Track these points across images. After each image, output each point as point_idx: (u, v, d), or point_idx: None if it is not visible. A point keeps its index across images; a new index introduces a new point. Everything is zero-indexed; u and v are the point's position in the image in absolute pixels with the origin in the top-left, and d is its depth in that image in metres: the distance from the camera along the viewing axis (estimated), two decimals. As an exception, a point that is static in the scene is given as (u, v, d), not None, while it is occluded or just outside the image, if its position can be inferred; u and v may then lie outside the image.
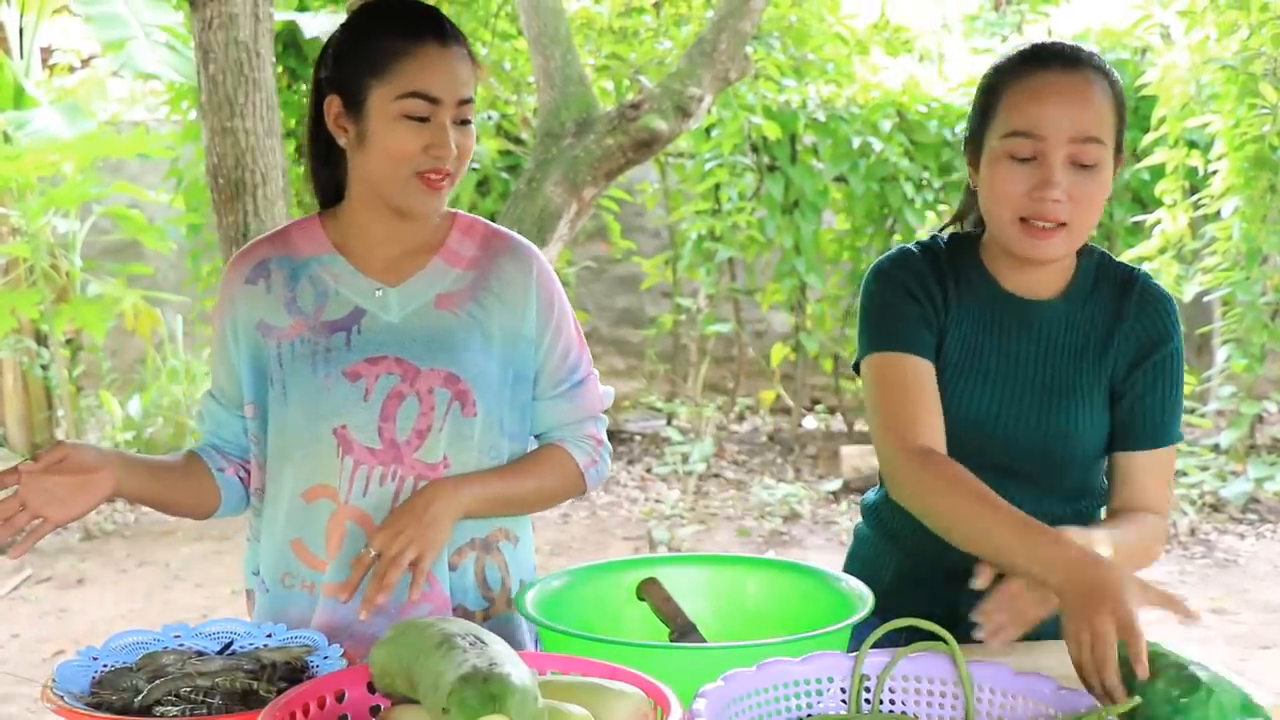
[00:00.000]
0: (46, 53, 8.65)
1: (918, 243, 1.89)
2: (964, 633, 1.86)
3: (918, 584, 1.88)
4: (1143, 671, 1.36)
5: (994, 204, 1.75)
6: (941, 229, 1.97)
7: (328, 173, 1.89)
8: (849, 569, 1.97)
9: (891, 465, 1.76)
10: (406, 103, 1.74)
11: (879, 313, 1.82)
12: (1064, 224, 1.71)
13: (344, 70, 1.79)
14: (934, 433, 1.75)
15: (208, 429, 1.93)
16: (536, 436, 1.97)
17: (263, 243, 1.90)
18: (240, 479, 1.92)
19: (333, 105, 1.80)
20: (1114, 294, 1.84)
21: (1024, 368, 1.82)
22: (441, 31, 1.77)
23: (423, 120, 1.74)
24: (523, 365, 1.89)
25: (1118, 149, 1.75)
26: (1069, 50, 1.74)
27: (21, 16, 7.57)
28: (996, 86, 1.76)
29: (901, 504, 1.76)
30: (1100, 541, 1.66)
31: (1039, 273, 1.82)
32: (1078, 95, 1.70)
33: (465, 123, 1.78)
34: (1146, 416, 1.82)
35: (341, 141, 1.81)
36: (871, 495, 2.04)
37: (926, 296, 1.81)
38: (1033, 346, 1.82)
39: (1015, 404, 1.81)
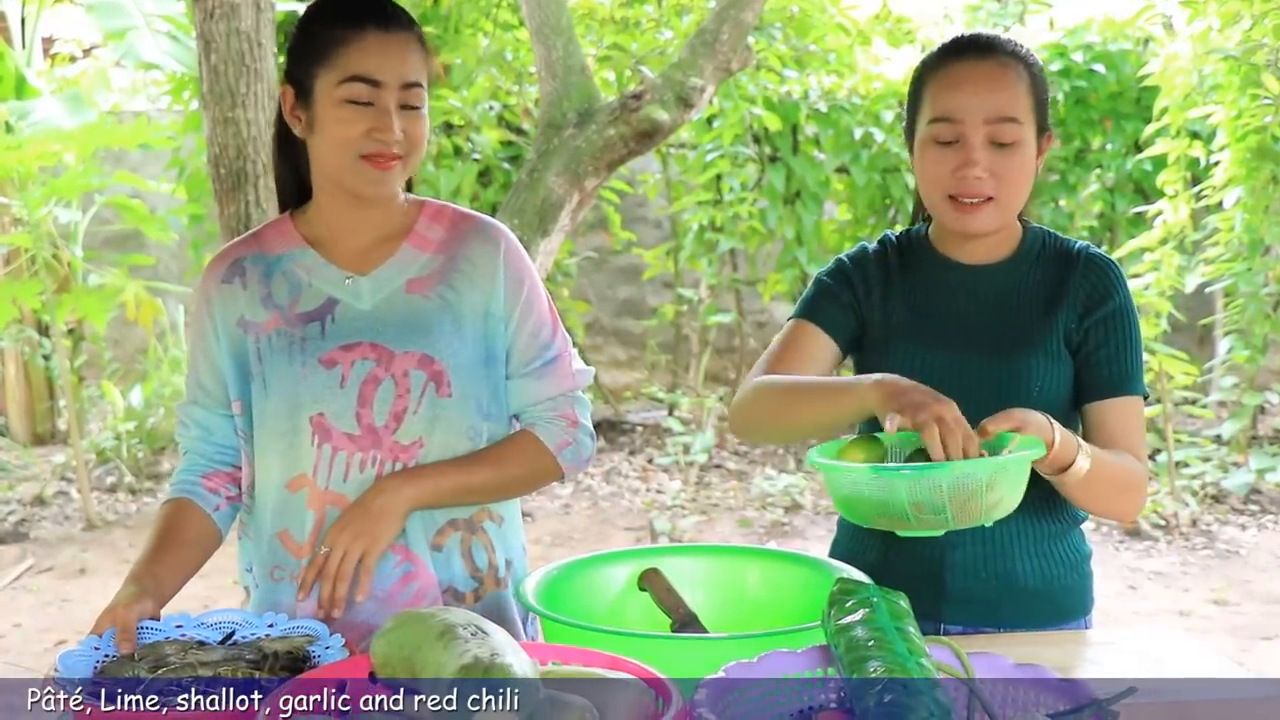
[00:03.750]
0: (48, 42, 8.64)
1: (879, 239, 2.04)
2: (953, 614, 1.89)
3: (906, 561, 1.89)
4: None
5: (925, 185, 1.90)
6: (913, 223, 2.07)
7: (288, 169, 1.92)
8: (834, 555, 1.97)
9: (730, 405, 1.91)
10: (348, 87, 1.78)
11: (813, 288, 2.00)
12: (990, 198, 1.84)
13: (294, 62, 1.84)
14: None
15: (195, 436, 1.93)
16: (515, 417, 1.97)
17: (236, 245, 1.94)
18: (231, 501, 1.93)
19: (287, 96, 1.85)
20: (1059, 260, 1.94)
21: (972, 326, 1.91)
22: (384, 17, 1.81)
23: (366, 104, 1.78)
24: (495, 344, 1.90)
25: (1043, 128, 1.88)
26: (984, 40, 1.90)
27: (24, 6, 7.57)
28: (922, 79, 1.91)
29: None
30: (1081, 446, 1.74)
31: (981, 243, 1.93)
32: (991, 80, 1.84)
33: (414, 109, 1.81)
34: (1104, 365, 1.90)
35: (297, 131, 1.85)
36: None
37: (863, 280, 1.97)
38: (980, 305, 1.92)
39: (966, 359, 1.89)
